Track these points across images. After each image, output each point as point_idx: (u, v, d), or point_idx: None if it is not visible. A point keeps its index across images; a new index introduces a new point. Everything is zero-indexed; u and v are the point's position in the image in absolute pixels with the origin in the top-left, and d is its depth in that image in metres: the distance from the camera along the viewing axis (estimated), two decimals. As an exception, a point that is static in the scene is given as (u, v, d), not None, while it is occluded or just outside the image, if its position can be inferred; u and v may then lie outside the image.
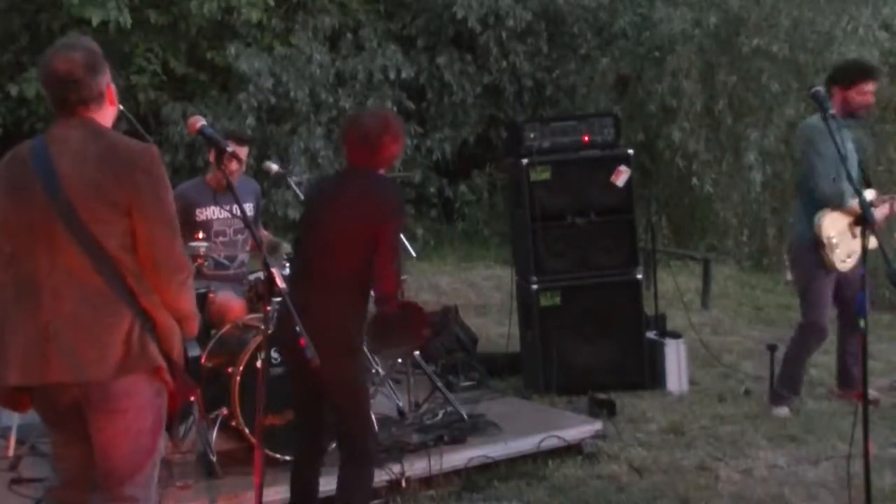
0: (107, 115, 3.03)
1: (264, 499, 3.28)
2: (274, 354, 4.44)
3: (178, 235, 2.98)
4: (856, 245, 5.27)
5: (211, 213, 5.41)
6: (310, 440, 3.93)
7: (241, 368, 4.40)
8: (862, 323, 3.50)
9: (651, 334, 6.36)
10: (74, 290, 2.84)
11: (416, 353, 5.47)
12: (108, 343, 2.83)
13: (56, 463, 3.12)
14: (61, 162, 2.87)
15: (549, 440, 4.93)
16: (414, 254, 5.60)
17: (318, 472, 3.94)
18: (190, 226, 5.30)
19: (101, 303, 2.84)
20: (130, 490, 2.97)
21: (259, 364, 4.29)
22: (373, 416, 4.04)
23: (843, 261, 5.42)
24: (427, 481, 4.58)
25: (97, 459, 2.96)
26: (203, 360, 4.67)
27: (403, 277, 5.45)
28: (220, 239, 5.36)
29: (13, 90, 10.18)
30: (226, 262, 5.42)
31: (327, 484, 4.31)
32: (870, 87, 5.45)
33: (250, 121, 10.90)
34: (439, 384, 5.37)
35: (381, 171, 3.89)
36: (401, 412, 5.24)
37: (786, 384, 5.66)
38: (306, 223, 3.92)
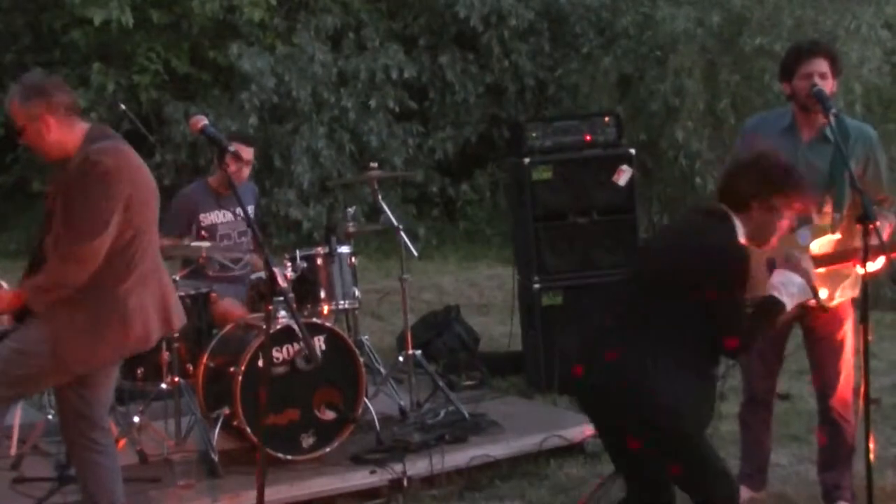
0: None
1: (266, 498, 3.29)
2: (275, 354, 4.45)
3: None
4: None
5: (215, 217, 5.41)
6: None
7: (242, 368, 4.39)
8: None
9: (653, 333, 6.34)
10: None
11: (419, 352, 5.48)
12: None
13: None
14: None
15: (552, 439, 4.92)
16: (416, 253, 5.60)
17: None
18: (195, 230, 5.31)
19: None
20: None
21: (261, 364, 4.29)
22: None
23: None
24: (429, 480, 4.57)
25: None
26: (205, 360, 4.68)
27: (406, 277, 5.50)
28: (226, 242, 5.36)
29: (15, 90, 10.17)
30: (231, 264, 5.41)
31: (327, 483, 4.33)
32: (813, 66, 3.85)
33: (252, 120, 10.90)
34: (441, 383, 5.37)
35: (741, 224, 3.21)
36: (402, 411, 5.23)
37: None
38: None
